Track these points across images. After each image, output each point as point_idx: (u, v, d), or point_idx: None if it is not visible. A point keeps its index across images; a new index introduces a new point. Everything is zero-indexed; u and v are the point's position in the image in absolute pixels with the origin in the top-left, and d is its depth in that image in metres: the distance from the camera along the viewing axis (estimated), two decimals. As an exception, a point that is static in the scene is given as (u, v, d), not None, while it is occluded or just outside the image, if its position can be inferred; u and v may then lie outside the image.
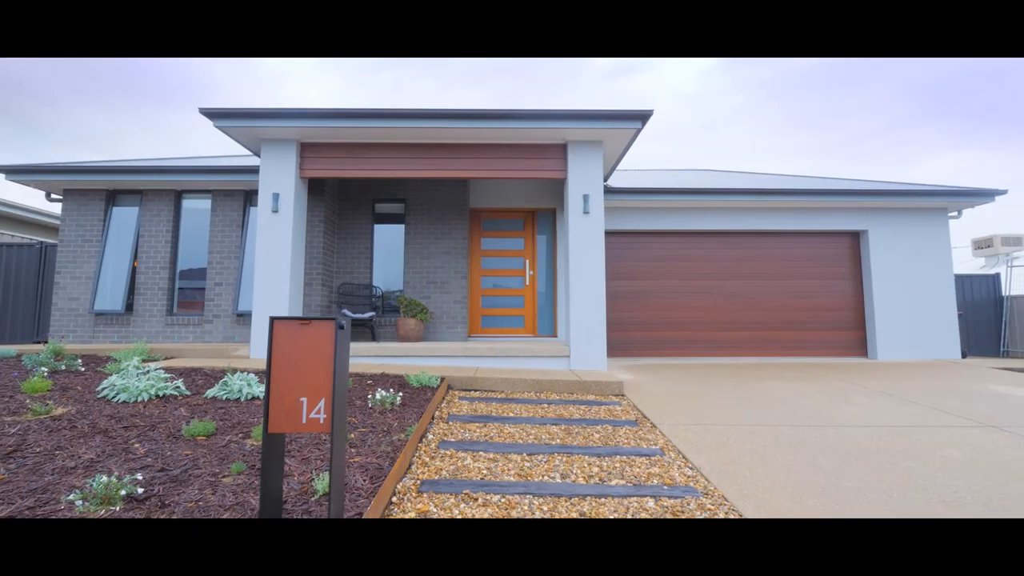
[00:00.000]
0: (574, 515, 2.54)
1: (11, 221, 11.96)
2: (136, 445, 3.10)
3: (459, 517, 2.47)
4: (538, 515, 2.53)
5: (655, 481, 3.02)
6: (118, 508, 2.27)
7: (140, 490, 2.42)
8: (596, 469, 3.19)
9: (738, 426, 4.18)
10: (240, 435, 3.33)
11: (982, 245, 15.83)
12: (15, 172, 7.44)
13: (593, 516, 2.53)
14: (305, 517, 2.25)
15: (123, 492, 2.33)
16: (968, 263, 17.23)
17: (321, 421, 1.98)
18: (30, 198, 10.61)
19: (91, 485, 2.36)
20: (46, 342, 7.87)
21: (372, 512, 2.29)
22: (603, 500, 2.73)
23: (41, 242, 8.44)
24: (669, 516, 2.55)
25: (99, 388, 4.13)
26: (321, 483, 2.48)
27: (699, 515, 2.57)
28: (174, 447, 3.08)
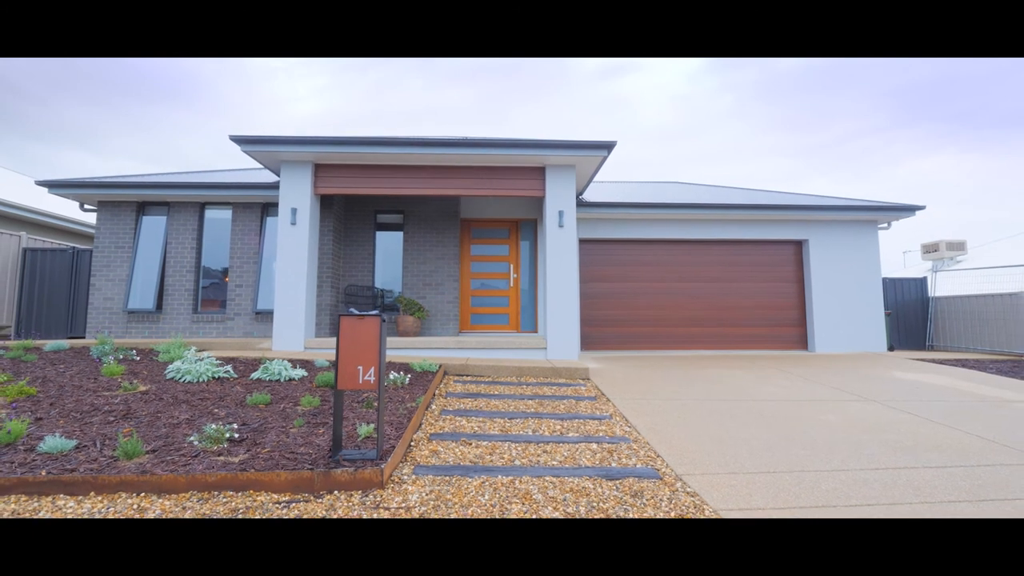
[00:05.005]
0: (539, 453, 3.64)
1: (15, 222, 12.69)
2: (215, 410, 4.14)
3: (459, 449, 3.57)
4: (514, 453, 3.63)
5: (600, 434, 4.14)
6: (225, 445, 3.32)
7: (236, 435, 3.47)
8: (558, 427, 4.30)
9: (674, 400, 5.32)
10: (291, 404, 4.38)
11: (930, 249, 17.29)
12: (56, 186, 8.35)
13: (552, 452, 3.64)
14: (354, 449, 3.31)
15: (227, 435, 3.38)
16: (919, 265, 18.74)
17: (372, 381, 3.05)
18: (48, 204, 11.46)
19: (204, 430, 3.40)
20: (81, 337, 8.79)
21: (400, 447, 3.37)
22: (561, 445, 3.84)
23: (73, 247, 9.33)
24: (605, 454, 3.66)
25: (167, 371, 5.14)
26: (362, 430, 3.55)
27: (626, 452, 3.69)
28: (245, 411, 4.12)
